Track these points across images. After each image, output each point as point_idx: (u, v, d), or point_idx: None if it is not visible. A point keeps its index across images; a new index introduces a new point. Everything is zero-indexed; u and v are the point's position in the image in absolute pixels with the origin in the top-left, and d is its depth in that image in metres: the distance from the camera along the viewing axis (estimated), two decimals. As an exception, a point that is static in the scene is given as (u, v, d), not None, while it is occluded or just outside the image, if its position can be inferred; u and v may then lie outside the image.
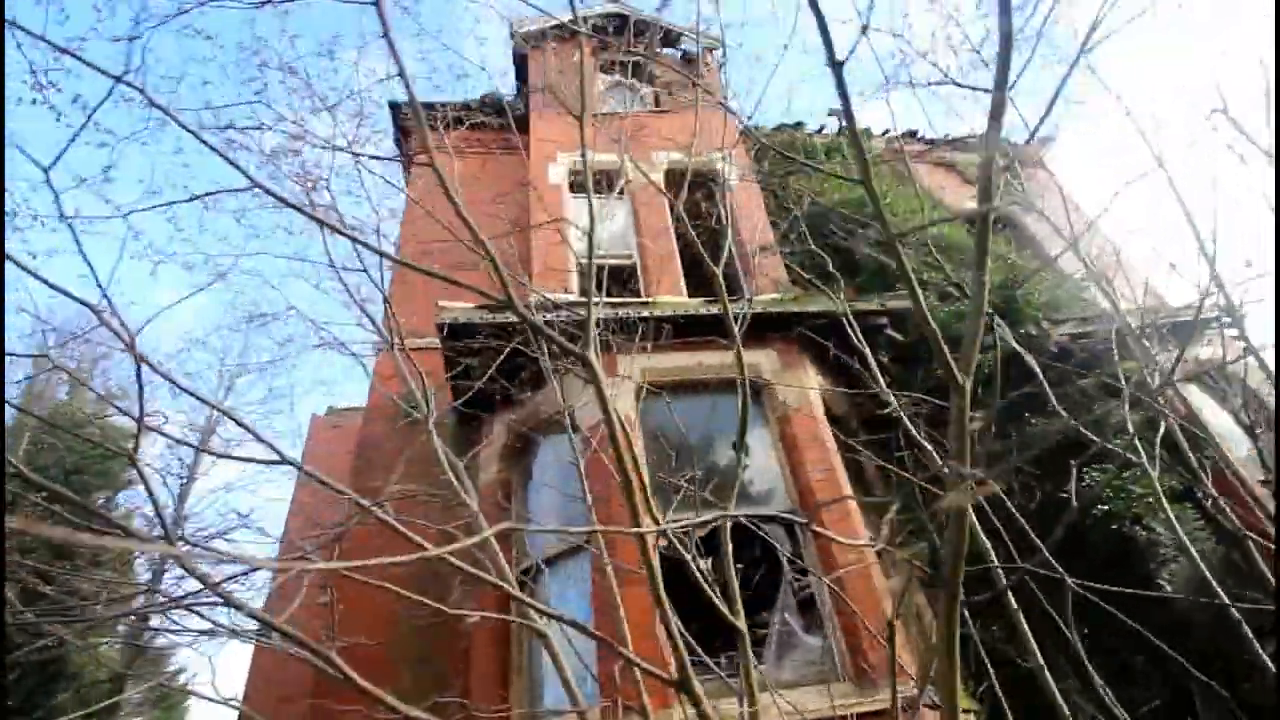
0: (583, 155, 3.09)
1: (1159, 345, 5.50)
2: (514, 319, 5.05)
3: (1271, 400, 5.08)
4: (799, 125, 9.38)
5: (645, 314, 4.93)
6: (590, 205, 3.33)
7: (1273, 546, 3.56)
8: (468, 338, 5.10)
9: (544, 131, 7.74)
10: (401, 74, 2.41)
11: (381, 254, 3.44)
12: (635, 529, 2.41)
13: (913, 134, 9.92)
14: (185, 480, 12.63)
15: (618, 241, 7.14)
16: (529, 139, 7.98)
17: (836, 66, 1.97)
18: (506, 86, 9.29)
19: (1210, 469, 5.05)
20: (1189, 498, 5.20)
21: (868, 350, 4.60)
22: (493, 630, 4.54)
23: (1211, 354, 5.82)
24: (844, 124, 1.95)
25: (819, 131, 9.54)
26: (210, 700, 3.43)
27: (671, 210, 7.28)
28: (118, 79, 2.29)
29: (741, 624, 2.83)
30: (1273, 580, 4.26)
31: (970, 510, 2.27)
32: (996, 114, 1.92)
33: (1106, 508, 5.31)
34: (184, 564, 2.12)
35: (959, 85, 2.53)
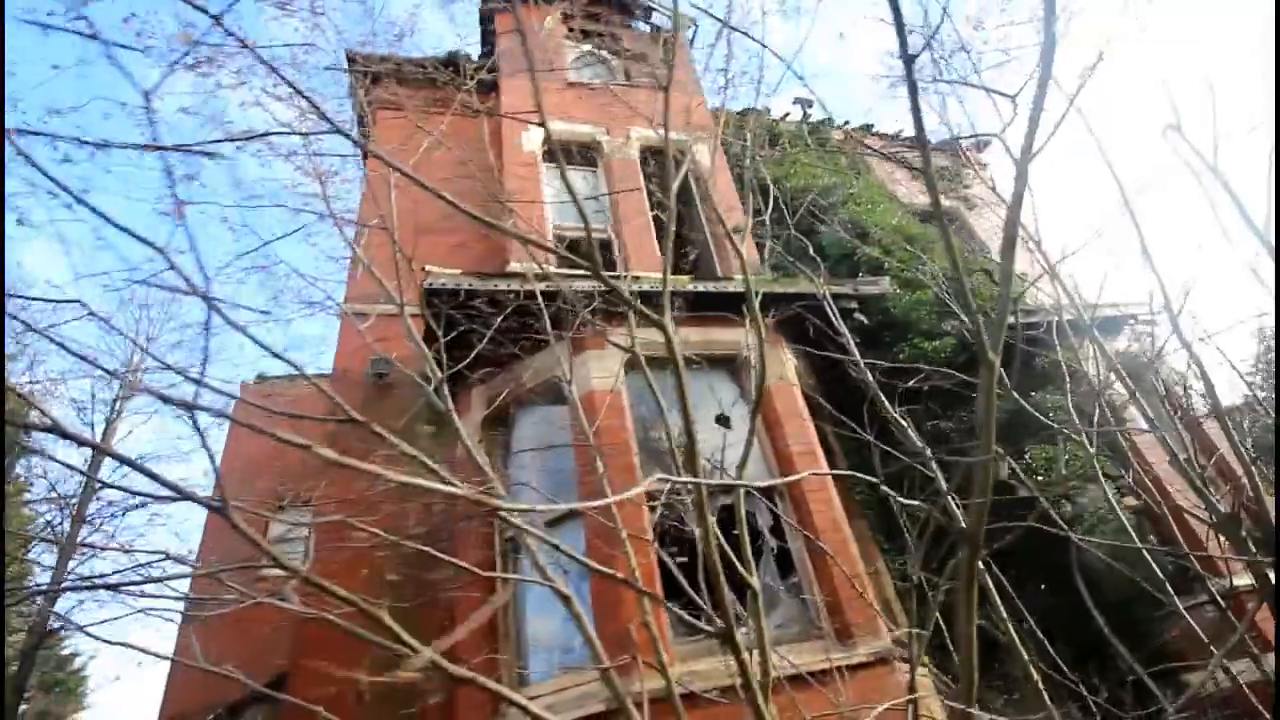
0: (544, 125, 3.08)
1: (1095, 338, 6.06)
2: (508, 287, 5.00)
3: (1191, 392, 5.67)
4: (764, 111, 9.56)
5: (636, 288, 4.98)
6: (674, 174, 3.34)
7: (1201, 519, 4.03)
8: (457, 304, 5.01)
9: (515, 98, 7.55)
10: None
11: (425, 185, 3.33)
12: (690, 478, 2.50)
13: (868, 127, 10.31)
14: (95, 450, 11.61)
15: (592, 215, 7.11)
16: (498, 103, 7.77)
17: (908, 61, 2.09)
18: (472, 47, 8.98)
19: (1130, 450, 5.68)
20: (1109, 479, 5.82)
21: (847, 333, 4.86)
22: (477, 600, 4.55)
23: (1139, 348, 6.46)
24: (915, 123, 2.07)
25: (784, 118, 9.76)
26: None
27: (647, 189, 7.32)
28: None
29: (756, 582, 2.99)
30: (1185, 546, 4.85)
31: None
32: (1022, 176, 2.12)
33: (1041, 479, 5.85)
34: (235, 525, 2.04)
35: (988, 91, 2.71)
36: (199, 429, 2.23)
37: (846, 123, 9.87)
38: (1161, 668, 4.38)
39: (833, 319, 4.84)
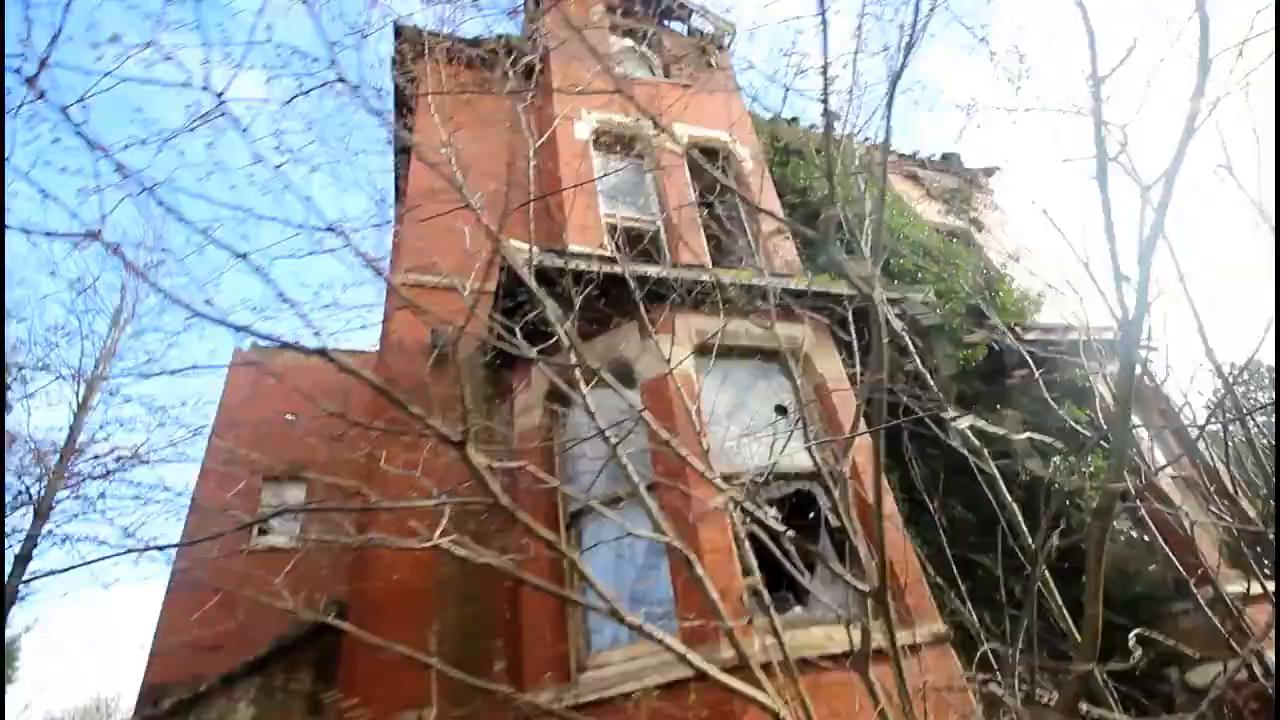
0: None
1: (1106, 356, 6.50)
2: (588, 266, 5.11)
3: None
4: (794, 120, 9.86)
5: (703, 278, 5.15)
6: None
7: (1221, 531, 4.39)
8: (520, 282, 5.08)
9: (563, 83, 7.63)
10: None
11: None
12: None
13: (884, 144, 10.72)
14: (77, 409, 11.15)
15: (639, 206, 7.26)
16: (542, 90, 7.83)
17: (1097, 83, 2.31)
18: (515, 26, 8.99)
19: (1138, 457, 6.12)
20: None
21: (905, 334, 5.14)
22: (543, 569, 4.64)
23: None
24: (1097, 145, 2.28)
25: (810, 128, 10.07)
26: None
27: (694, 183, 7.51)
28: None
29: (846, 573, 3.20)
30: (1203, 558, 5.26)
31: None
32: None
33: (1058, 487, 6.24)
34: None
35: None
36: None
37: (867, 139, 10.24)
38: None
39: (885, 321, 5.10)
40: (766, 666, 3.66)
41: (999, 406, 6.55)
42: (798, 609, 4.63)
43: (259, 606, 10.39)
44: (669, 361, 5.10)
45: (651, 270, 5.10)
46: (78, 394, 11.08)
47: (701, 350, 5.24)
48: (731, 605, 3.90)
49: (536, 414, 5.33)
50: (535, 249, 5.03)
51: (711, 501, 4.45)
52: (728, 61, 8.95)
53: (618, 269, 5.14)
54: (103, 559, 9.05)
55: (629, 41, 9.12)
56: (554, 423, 5.32)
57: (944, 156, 11.10)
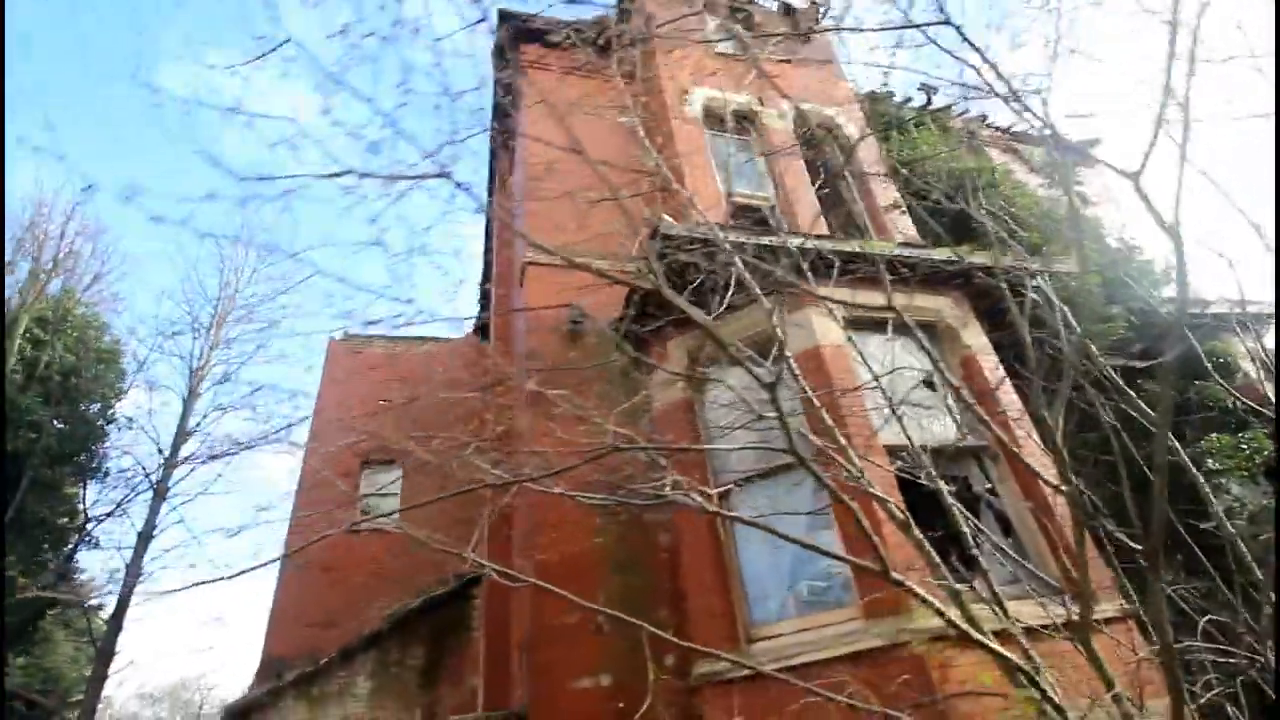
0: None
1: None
2: (738, 239, 5.07)
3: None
4: (889, 95, 9.63)
5: (851, 249, 5.06)
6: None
7: None
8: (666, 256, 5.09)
9: (672, 63, 7.60)
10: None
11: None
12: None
13: (983, 118, 10.38)
14: (187, 395, 11.67)
15: (753, 183, 7.19)
16: (652, 62, 7.80)
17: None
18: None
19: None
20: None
21: (1062, 307, 4.95)
22: (702, 536, 4.66)
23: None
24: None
25: (906, 102, 9.83)
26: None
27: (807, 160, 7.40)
28: None
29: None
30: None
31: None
32: None
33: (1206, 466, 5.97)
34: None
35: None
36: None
37: (965, 111, 9.95)
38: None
39: (1036, 294, 4.93)
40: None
41: (1138, 381, 6.28)
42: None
43: (366, 585, 10.76)
44: (810, 334, 5.05)
45: (804, 242, 5.04)
46: (188, 381, 11.62)
47: (850, 324, 5.17)
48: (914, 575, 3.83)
49: (676, 390, 5.33)
50: (687, 221, 5.01)
51: (878, 473, 4.38)
52: (825, 37, 8.77)
53: (773, 240, 5.10)
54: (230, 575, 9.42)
55: (721, 19, 9.01)
56: (694, 399, 5.32)
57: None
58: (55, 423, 9.05)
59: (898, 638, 3.66)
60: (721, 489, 4.98)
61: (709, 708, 4.03)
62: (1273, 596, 2.81)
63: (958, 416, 5.21)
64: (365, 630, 9.35)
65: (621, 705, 4.17)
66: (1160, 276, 7.33)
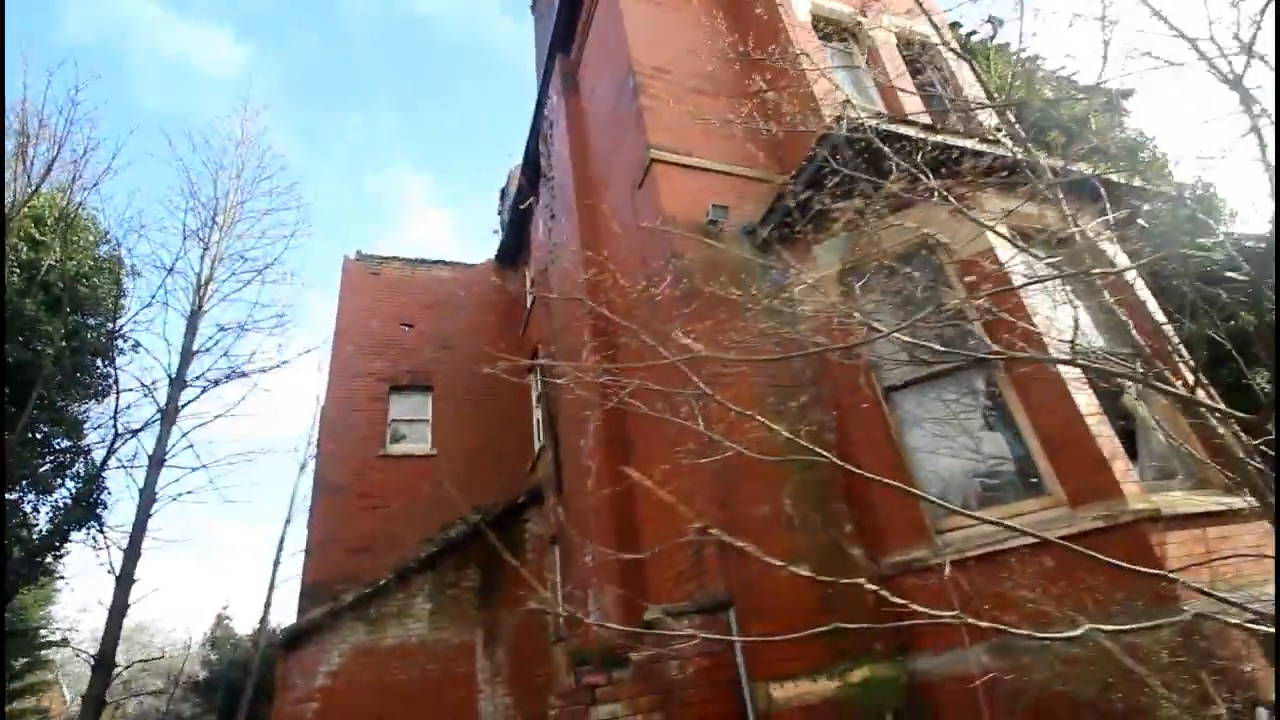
0: None
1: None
2: (915, 134, 4.93)
3: None
4: (957, 24, 9.51)
5: (1009, 154, 5.00)
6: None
7: None
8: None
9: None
10: None
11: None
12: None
13: (1036, 58, 10.44)
14: (192, 312, 10.66)
15: (857, 98, 7.00)
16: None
17: None
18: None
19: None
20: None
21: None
22: (876, 432, 4.66)
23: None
24: None
25: (972, 35, 9.75)
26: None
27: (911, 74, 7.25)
28: None
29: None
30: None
31: None
32: None
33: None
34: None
35: None
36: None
37: (1024, 49, 9.99)
38: None
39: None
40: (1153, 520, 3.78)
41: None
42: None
43: (401, 511, 10.42)
44: (971, 241, 5.01)
45: (966, 143, 4.95)
46: (192, 297, 10.69)
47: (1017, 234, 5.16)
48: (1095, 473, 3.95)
49: (830, 293, 5.23)
50: (851, 116, 4.82)
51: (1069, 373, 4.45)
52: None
53: (949, 138, 4.99)
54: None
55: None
56: (847, 302, 5.23)
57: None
58: (61, 336, 8.09)
59: (1118, 519, 3.77)
60: (889, 385, 4.98)
61: (909, 597, 4.07)
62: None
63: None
64: (406, 554, 9.12)
65: (830, 592, 4.18)
66: (1227, 215, 7.65)
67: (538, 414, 10.83)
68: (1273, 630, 2.26)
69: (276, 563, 16.20)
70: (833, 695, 3.72)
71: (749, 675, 3.80)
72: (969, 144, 5.08)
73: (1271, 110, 2.50)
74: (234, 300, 11.00)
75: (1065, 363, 3.94)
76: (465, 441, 10.83)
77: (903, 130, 4.79)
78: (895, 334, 3.16)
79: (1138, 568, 2.73)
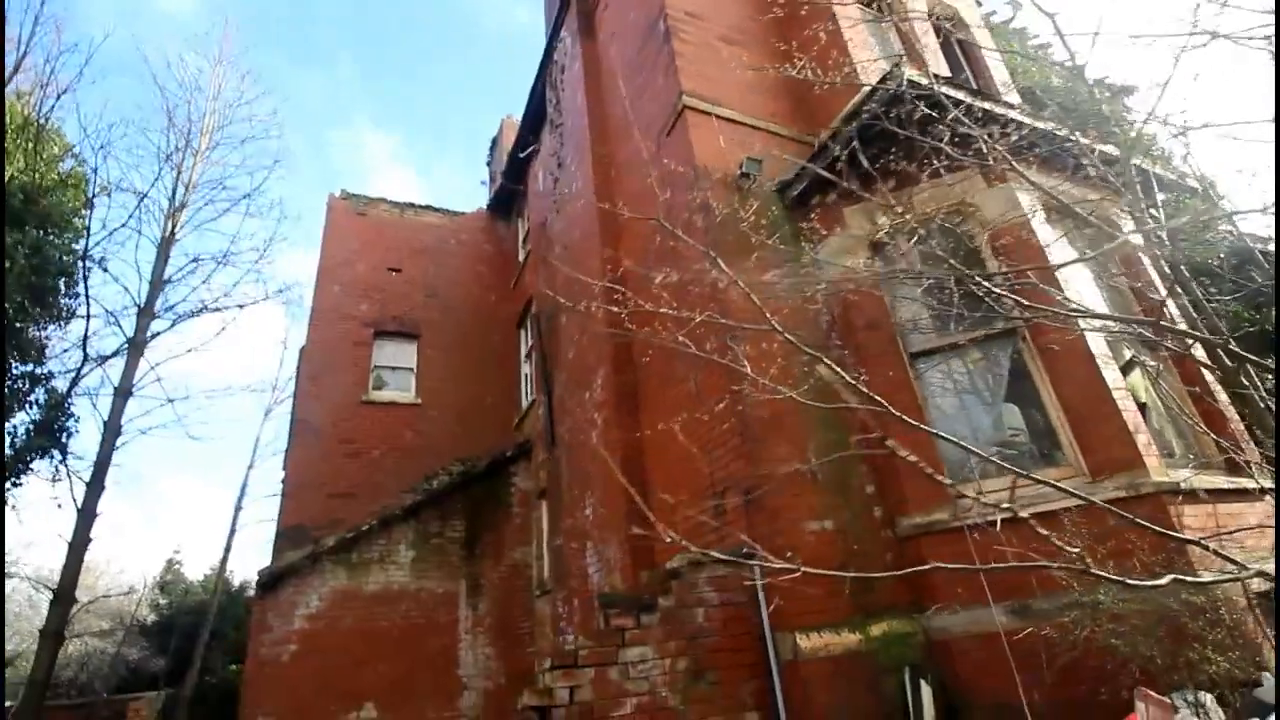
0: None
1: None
2: (970, 100, 4.84)
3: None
4: (977, 2, 9.42)
5: (1047, 128, 4.98)
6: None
7: None
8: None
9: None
10: None
11: None
12: None
13: (1048, 45, 10.45)
14: (162, 240, 9.99)
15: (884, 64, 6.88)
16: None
17: None
18: None
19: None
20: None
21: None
22: (900, 396, 4.65)
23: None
24: None
25: (991, 14, 9.68)
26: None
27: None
28: None
29: None
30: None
31: None
32: None
33: None
34: None
35: None
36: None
37: (1037, 35, 9.97)
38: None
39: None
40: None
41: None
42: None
43: (385, 457, 10.15)
44: (1026, 209, 5.01)
45: (1013, 114, 4.90)
46: (163, 224, 10.07)
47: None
48: (1120, 445, 4.02)
49: (857, 257, 5.18)
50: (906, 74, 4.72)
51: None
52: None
53: (992, 105, 4.93)
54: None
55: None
56: (875, 264, 5.19)
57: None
58: (23, 254, 7.47)
59: (1140, 490, 3.85)
60: (915, 351, 4.98)
61: (928, 558, 4.13)
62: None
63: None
64: (389, 503, 8.93)
65: (856, 548, 4.20)
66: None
67: (526, 369, 10.64)
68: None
69: (238, 507, 15.75)
70: (855, 647, 3.76)
71: (772, 627, 3.80)
72: (1017, 115, 5.04)
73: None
74: (209, 230, 10.39)
75: (1103, 317, 3.98)
76: (450, 393, 10.59)
77: (957, 94, 4.69)
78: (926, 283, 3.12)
79: (1173, 533, 2.79)
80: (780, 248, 5.15)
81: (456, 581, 8.39)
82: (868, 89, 4.97)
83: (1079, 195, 5.60)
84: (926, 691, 3.71)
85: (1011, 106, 5.25)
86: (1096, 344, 4.44)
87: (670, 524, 5.24)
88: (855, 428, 4.76)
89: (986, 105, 4.89)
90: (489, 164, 15.48)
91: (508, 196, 12.48)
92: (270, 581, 7.54)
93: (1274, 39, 2.72)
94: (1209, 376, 5.09)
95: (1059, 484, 3.02)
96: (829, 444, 4.58)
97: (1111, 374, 4.36)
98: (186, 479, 50.79)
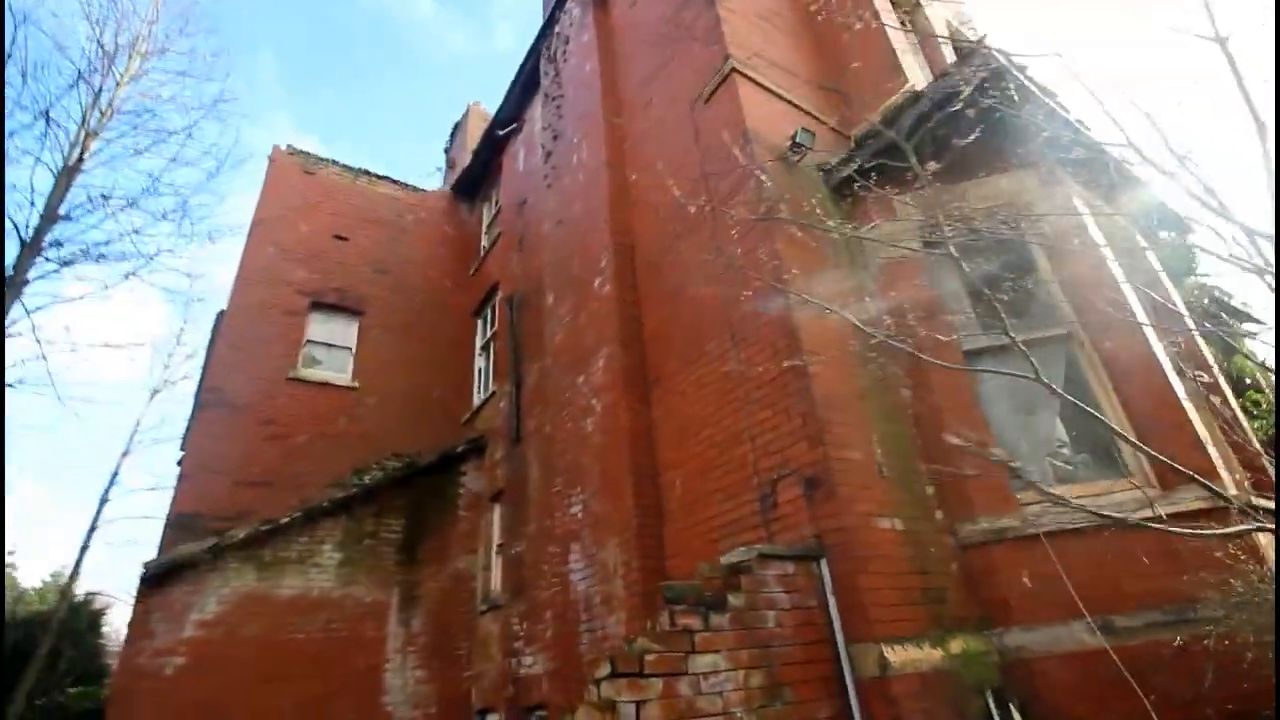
0: None
1: None
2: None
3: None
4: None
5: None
6: None
7: None
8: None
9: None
10: None
11: None
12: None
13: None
14: (63, 167, 8.28)
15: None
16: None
17: None
18: None
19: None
20: None
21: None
22: (960, 395, 4.30)
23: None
24: None
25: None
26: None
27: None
28: None
29: None
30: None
31: None
32: None
33: None
34: None
35: None
36: None
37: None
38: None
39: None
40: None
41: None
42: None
43: (312, 444, 8.94)
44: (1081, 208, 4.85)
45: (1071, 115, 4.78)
46: (66, 150, 8.50)
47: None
48: (1193, 456, 3.82)
49: (905, 247, 4.85)
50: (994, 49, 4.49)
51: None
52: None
53: (1056, 105, 4.78)
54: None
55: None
56: (926, 259, 4.87)
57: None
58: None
59: (1216, 503, 3.61)
60: (967, 350, 4.64)
61: (1001, 566, 3.71)
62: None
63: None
64: (312, 496, 7.71)
65: (933, 550, 3.71)
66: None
67: (482, 362, 9.70)
68: None
69: (104, 499, 13.42)
70: (940, 664, 3.23)
71: (846, 637, 3.21)
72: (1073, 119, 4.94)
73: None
74: (123, 166, 8.87)
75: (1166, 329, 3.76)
76: (393, 380, 9.46)
77: (1039, 92, 4.50)
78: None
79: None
80: (830, 224, 4.75)
81: (389, 590, 7.24)
82: (950, 66, 4.72)
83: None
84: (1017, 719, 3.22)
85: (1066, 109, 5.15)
86: (1161, 351, 4.28)
87: (691, 522, 4.58)
88: (908, 423, 4.34)
89: (1055, 105, 4.74)
90: (448, 150, 14.57)
91: (470, 183, 11.63)
92: (158, 576, 6.15)
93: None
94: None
95: (1216, 491, 2.65)
96: (889, 437, 4.11)
97: (1181, 385, 4.18)
98: (24, 464, 44.03)
